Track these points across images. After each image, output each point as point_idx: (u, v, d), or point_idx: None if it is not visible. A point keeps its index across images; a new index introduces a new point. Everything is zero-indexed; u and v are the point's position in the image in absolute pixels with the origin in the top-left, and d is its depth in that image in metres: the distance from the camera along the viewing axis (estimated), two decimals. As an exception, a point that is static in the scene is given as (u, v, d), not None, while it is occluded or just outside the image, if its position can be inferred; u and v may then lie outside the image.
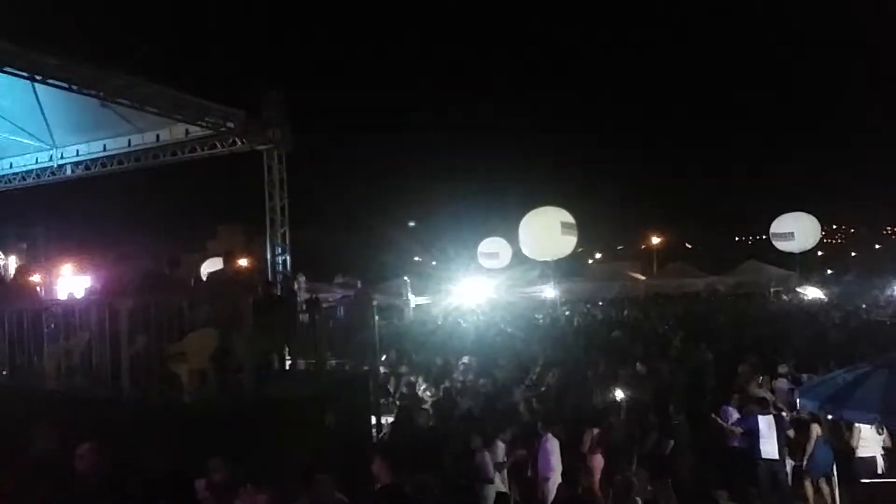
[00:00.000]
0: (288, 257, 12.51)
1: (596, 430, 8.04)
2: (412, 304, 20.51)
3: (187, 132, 12.71)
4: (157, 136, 13.05)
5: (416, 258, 37.54)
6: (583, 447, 7.83)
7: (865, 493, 6.90)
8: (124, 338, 6.54)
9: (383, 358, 11.51)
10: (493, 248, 22.78)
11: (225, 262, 9.04)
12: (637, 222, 53.85)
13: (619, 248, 60.99)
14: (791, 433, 8.23)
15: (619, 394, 9.08)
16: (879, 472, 7.41)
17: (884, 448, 7.57)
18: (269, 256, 12.52)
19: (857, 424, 7.48)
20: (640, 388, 9.62)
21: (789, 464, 8.18)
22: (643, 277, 29.38)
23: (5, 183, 15.36)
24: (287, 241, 12.58)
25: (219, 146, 12.87)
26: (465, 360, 11.33)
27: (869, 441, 7.52)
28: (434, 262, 32.32)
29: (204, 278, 9.29)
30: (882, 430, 7.17)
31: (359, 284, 13.86)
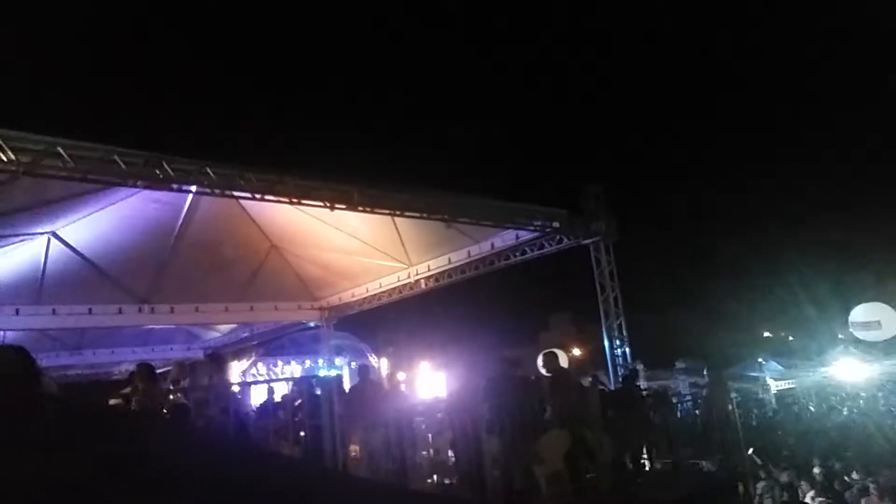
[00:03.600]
0: (628, 349, 12.05)
1: None
2: (773, 390, 17.83)
3: (517, 236, 13.55)
4: (492, 245, 14.19)
5: (767, 334, 33.15)
6: None
7: None
8: (484, 439, 6.80)
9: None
10: (872, 316, 18.74)
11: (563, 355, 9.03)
12: None
13: None
14: None
15: None
16: None
17: None
18: (607, 350, 12.24)
19: None
20: None
21: None
22: None
23: (377, 300, 18.30)
24: (625, 333, 12.19)
25: (546, 245, 13.39)
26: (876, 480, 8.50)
27: None
28: (791, 338, 28.07)
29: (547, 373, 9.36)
30: None
31: (704, 370, 12.57)
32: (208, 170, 9.34)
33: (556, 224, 12.67)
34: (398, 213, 11.61)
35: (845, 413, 15.09)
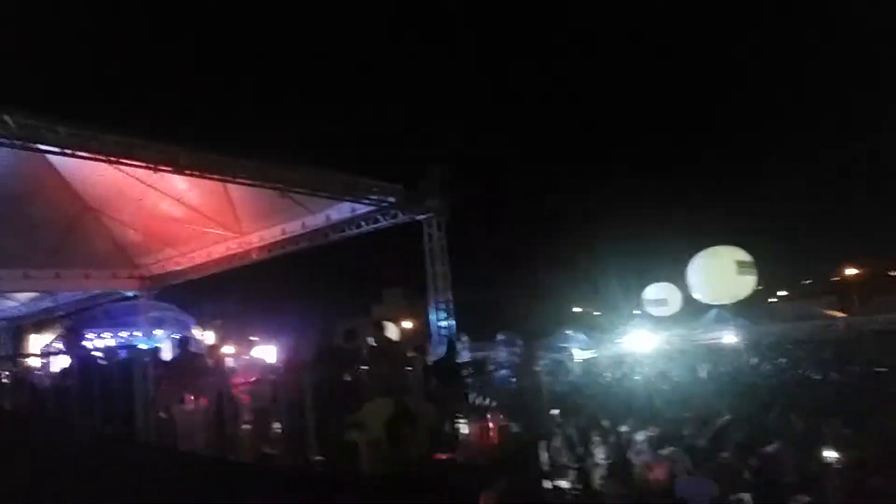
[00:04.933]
0: (453, 322, 12.76)
1: (806, 499, 7.03)
2: (578, 359, 19.87)
3: (353, 210, 13.68)
4: (328, 217, 14.18)
5: (577, 308, 36.61)
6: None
7: None
8: (308, 410, 6.96)
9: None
10: (661, 294, 21.49)
11: (393, 328, 9.42)
12: (826, 252, 48.25)
13: (807, 282, 54.74)
14: None
15: (830, 454, 7.91)
16: None
17: None
18: (432, 323, 12.86)
19: None
20: (854, 447, 8.32)
21: None
22: (842, 315, 26.07)
23: (205, 269, 17.47)
24: (450, 305, 12.88)
25: (381, 219, 13.67)
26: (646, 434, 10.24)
27: None
28: (596, 313, 31.32)
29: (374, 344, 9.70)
30: None
31: (518, 342, 13.70)
32: (7, 118, 8.35)
33: (391, 199, 12.97)
34: (229, 178, 11.20)
35: (636, 378, 17.20)
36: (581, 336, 22.19)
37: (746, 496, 7.04)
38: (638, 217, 42.68)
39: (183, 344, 8.85)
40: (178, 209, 14.00)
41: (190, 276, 17.65)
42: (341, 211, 13.87)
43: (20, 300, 19.89)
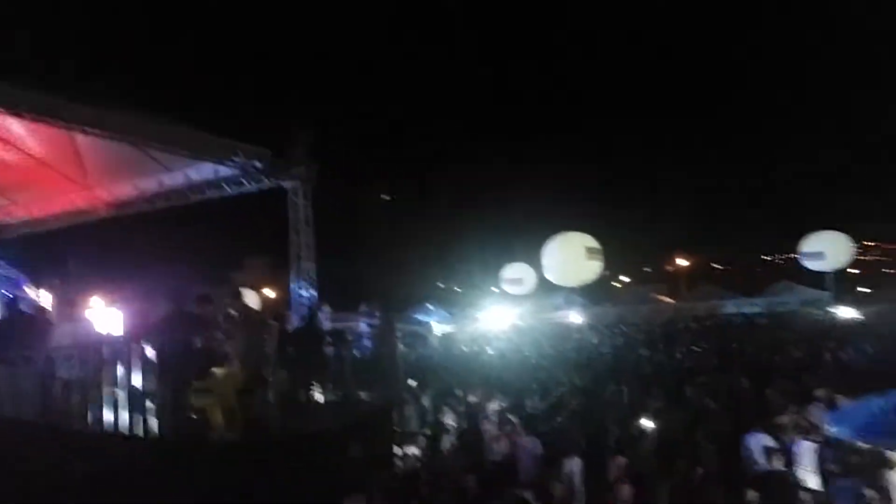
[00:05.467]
0: (314, 291, 12.70)
1: (622, 459, 7.93)
2: (437, 332, 20.55)
3: (216, 172, 13.06)
4: (187, 176, 13.42)
5: (440, 284, 37.66)
6: (608, 475, 7.74)
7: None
8: (152, 376, 6.70)
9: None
10: (517, 274, 22.73)
11: (252, 295, 9.24)
12: (663, 243, 53.25)
13: (646, 269, 60.19)
14: (833, 463, 7.93)
15: (647, 422, 8.96)
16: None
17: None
18: (293, 291, 12.72)
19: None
20: (668, 416, 9.47)
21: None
22: (672, 300, 29.04)
23: (42, 224, 15.91)
24: (312, 275, 12.78)
25: (246, 184, 13.19)
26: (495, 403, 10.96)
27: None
28: (458, 289, 32.42)
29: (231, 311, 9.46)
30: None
31: (377, 313, 13.91)
32: None
33: (257, 164, 12.56)
34: (75, 127, 10.28)
35: (490, 352, 18.14)
36: (441, 311, 22.93)
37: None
38: (502, 200, 44.55)
39: (13, 303, 8.10)
40: (14, 156, 12.60)
41: (24, 230, 16.01)
42: (202, 172, 13.19)
43: None
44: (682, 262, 48.15)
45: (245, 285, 16.13)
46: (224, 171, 12.98)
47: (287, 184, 12.97)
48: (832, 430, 7.57)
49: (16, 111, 9.65)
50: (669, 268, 50.93)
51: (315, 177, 13.06)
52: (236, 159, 12.37)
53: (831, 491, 7.48)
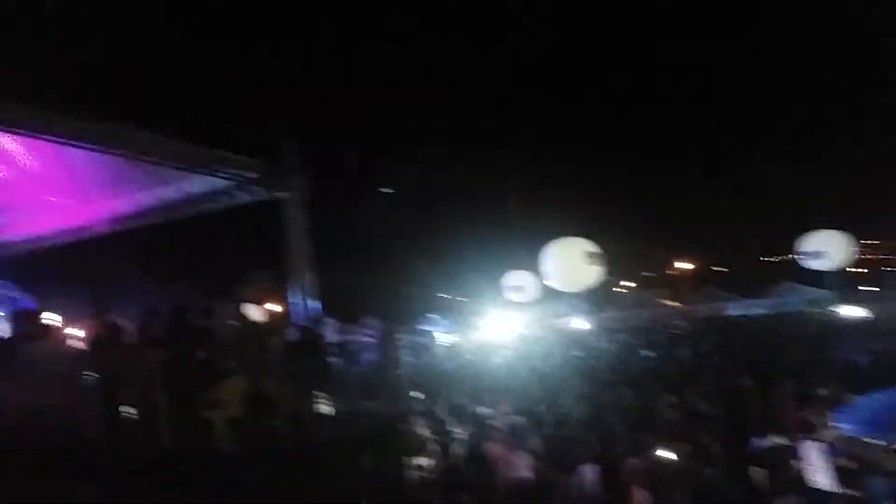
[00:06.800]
0: (315, 303, 12.57)
1: (635, 462, 7.87)
2: (440, 343, 20.44)
3: (212, 185, 12.93)
4: (183, 190, 13.29)
5: (442, 294, 37.56)
6: (622, 479, 7.67)
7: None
8: (159, 388, 6.65)
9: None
10: (519, 282, 22.65)
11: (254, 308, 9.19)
12: (663, 247, 53.25)
13: (647, 274, 60.20)
14: (844, 461, 7.85)
15: (656, 424, 8.90)
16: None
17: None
18: (294, 304, 12.57)
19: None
20: (675, 418, 9.42)
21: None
22: (675, 304, 28.99)
23: (39, 243, 15.81)
24: (313, 287, 12.65)
25: (240, 196, 13.02)
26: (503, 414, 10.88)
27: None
28: (462, 299, 32.33)
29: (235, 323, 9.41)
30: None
31: (379, 325, 13.84)
32: None
33: (250, 174, 12.43)
34: (64, 141, 10.16)
35: (496, 361, 18.06)
36: (445, 321, 22.82)
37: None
38: (502, 207, 44.51)
39: (16, 322, 8.01)
40: (9, 172, 12.53)
41: (24, 247, 15.93)
42: (197, 184, 13.06)
43: None
44: (683, 265, 48.17)
45: (246, 298, 16.06)
46: (219, 183, 12.87)
47: (282, 194, 12.84)
48: (839, 427, 7.51)
49: (10, 128, 9.58)
50: (671, 272, 50.96)
51: (311, 186, 12.93)
52: (230, 171, 12.25)
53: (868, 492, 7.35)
